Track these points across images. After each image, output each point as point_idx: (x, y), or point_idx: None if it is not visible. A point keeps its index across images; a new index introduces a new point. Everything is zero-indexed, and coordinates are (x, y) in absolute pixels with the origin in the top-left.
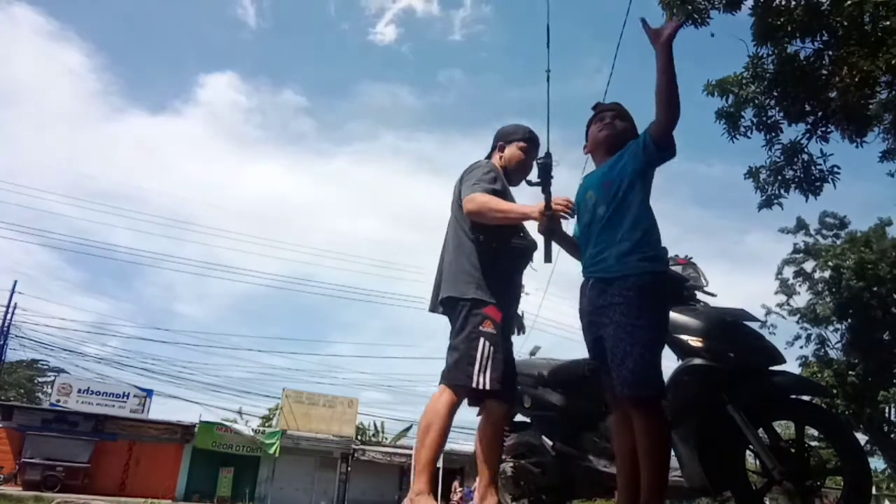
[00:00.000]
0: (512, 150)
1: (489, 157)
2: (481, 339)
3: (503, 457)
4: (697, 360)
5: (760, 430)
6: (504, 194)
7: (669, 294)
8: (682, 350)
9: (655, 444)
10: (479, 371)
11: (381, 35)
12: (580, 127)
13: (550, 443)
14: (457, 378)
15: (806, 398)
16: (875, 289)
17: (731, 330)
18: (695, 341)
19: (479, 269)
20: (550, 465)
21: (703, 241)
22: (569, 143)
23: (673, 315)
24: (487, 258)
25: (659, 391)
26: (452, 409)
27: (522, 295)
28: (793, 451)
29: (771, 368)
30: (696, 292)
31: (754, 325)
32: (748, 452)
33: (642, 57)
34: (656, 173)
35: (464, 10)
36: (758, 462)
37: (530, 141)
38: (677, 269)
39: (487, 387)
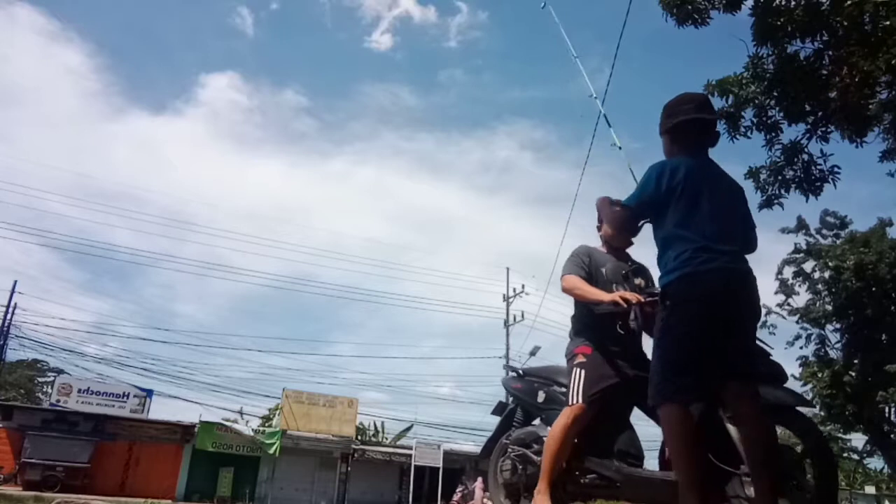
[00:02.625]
0: (605, 228)
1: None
2: (574, 369)
3: (509, 446)
4: None
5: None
6: (590, 275)
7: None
8: None
9: (670, 446)
10: (573, 393)
11: (377, 43)
12: (581, 127)
13: None
14: (565, 402)
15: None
16: (874, 289)
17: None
18: None
19: (575, 327)
20: None
21: None
22: (567, 144)
23: None
24: (584, 317)
25: (661, 399)
26: (567, 427)
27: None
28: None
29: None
30: None
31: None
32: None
33: (643, 57)
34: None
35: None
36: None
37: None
38: None
39: (580, 402)
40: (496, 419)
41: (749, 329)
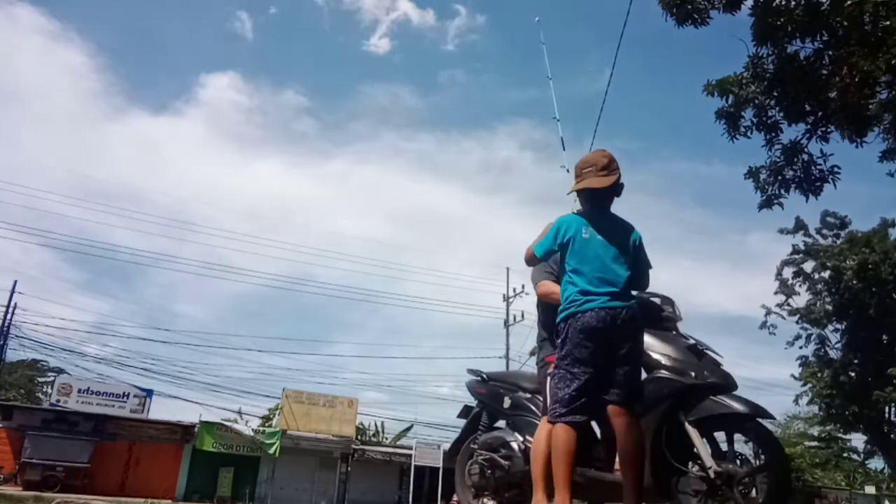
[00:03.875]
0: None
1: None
2: (548, 378)
3: (476, 450)
4: (662, 373)
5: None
6: (558, 280)
7: (645, 319)
8: (649, 365)
9: (554, 458)
10: (551, 403)
11: (375, 47)
12: (582, 126)
13: (521, 439)
14: (531, 408)
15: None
16: (874, 289)
17: (692, 354)
18: (662, 358)
19: (543, 333)
20: (517, 460)
21: (704, 241)
22: (567, 144)
23: (645, 336)
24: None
25: (553, 419)
26: (549, 435)
27: (524, 295)
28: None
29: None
30: (674, 324)
31: (715, 356)
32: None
33: (643, 57)
34: (651, 175)
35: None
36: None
37: None
38: (656, 300)
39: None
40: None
41: (628, 358)
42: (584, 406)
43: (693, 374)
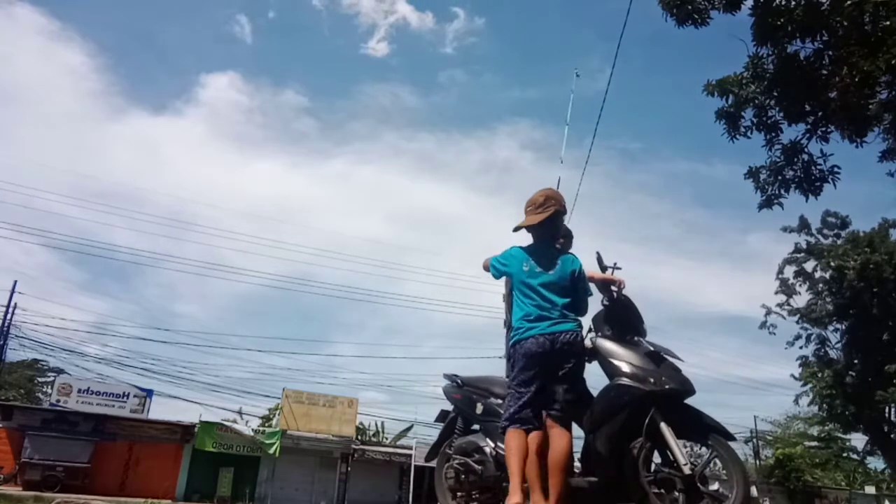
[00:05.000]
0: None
1: None
2: None
3: (452, 454)
4: (622, 381)
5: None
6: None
7: (618, 321)
8: (611, 372)
9: (507, 460)
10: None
11: (374, 50)
12: (582, 126)
13: (493, 445)
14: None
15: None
16: (875, 290)
17: (652, 360)
18: (622, 366)
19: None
20: (489, 465)
21: (704, 241)
22: (567, 144)
23: (608, 344)
24: None
25: (506, 424)
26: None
27: None
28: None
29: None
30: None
31: (676, 362)
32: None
33: (643, 57)
34: (651, 175)
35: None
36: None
37: (566, 237)
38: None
39: None
40: None
41: (567, 377)
42: (529, 414)
43: (652, 380)
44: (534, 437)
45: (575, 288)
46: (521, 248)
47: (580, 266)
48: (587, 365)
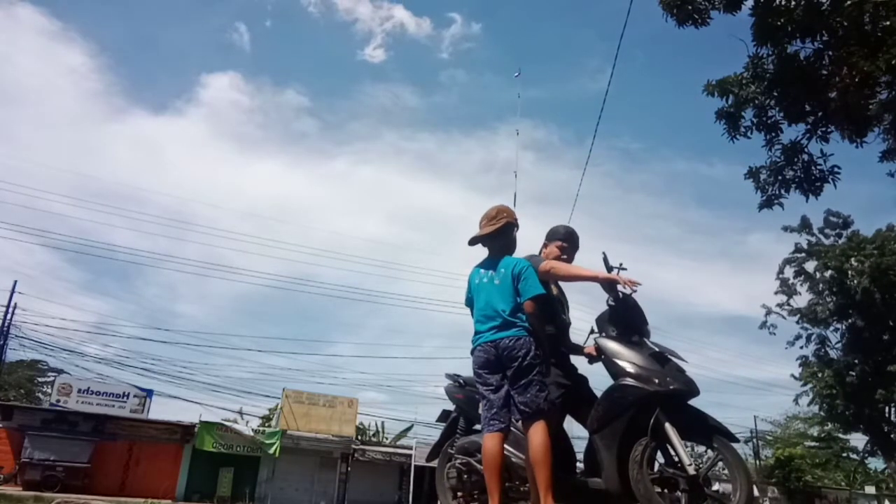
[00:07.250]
0: (551, 248)
1: (540, 251)
2: None
3: (454, 454)
4: (627, 381)
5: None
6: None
7: (623, 322)
8: (615, 372)
9: (484, 465)
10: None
11: (371, 56)
12: (582, 126)
13: None
14: None
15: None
16: (880, 291)
17: (657, 361)
18: (627, 366)
19: None
20: None
21: (704, 241)
22: (568, 144)
23: (612, 345)
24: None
25: (484, 430)
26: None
27: None
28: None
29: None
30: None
31: (680, 363)
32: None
33: (643, 57)
34: (651, 175)
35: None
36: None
37: (568, 239)
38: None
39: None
40: None
41: (515, 377)
42: (500, 417)
43: (657, 381)
44: (495, 439)
45: (519, 291)
46: (476, 266)
47: (524, 266)
48: (588, 365)
